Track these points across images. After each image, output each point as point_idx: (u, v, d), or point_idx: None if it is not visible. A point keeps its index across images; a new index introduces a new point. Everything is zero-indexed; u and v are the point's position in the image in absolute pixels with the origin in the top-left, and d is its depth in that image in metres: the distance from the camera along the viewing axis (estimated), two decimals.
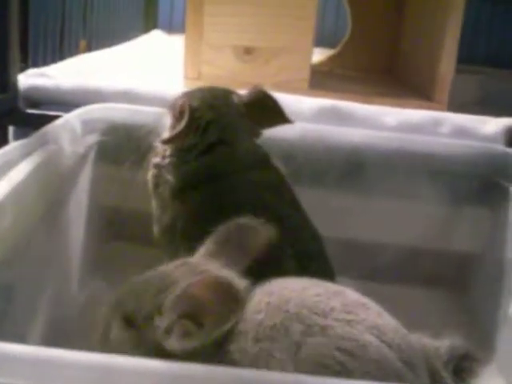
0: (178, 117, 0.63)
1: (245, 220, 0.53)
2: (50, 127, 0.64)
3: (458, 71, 1.04)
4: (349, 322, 0.43)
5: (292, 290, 0.45)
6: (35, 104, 0.88)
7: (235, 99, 0.65)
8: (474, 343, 0.66)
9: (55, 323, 0.60)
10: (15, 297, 0.51)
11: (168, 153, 0.64)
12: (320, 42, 1.29)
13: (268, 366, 0.40)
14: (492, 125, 0.86)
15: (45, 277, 0.59)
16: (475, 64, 1.67)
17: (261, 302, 0.44)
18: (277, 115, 0.66)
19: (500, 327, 0.67)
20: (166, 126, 0.65)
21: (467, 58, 1.29)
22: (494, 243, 0.73)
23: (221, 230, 0.53)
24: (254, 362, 0.40)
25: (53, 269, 0.61)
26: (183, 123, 0.61)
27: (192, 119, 0.62)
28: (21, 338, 0.50)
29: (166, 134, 0.63)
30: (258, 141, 0.66)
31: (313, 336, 0.41)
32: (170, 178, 0.63)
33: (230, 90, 0.67)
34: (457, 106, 1.00)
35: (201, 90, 0.66)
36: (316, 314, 0.43)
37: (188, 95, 0.65)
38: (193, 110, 0.62)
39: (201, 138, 0.62)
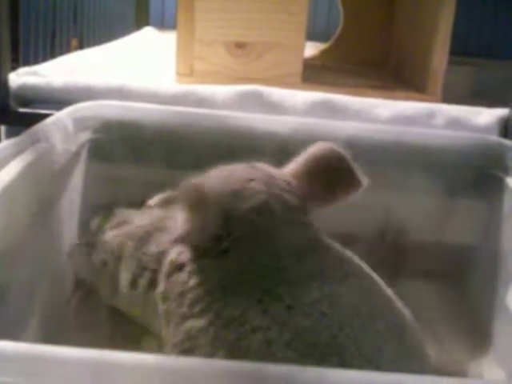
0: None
1: (346, 159, 0.50)
2: (41, 125, 0.64)
3: (451, 63, 1.04)
4: None
5: None
6: (27, 103, 0.88)
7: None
8: (472, 334, 0.66)
9: (49, 323, 0.59)
10: (8, 297, 0.51)
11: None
12: (312, 35, 1.29)
13: None
14: (486, 115, 0.86)
15: (38, 276, 0.59)
16: (467, 55, 1.67)
17: None
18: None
19: (497, 318, 0.67)
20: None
21: (459, 49, 1.29)
22: (490, 234, 0.73)
23: (319, 154, 0.50)
24: None
25: (46, 268, 0.61)
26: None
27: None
28: (14, 338, 0.50)
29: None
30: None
31: None
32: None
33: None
34: (450, 97, 1.00)
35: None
36: None
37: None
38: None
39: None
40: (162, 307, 0.49)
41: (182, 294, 0.47)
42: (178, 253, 0.49)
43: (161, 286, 0.50)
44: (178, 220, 0.49)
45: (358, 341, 0.43)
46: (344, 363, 0.42)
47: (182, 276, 0.48)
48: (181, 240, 0.48)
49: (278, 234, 0.48)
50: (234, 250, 0.47)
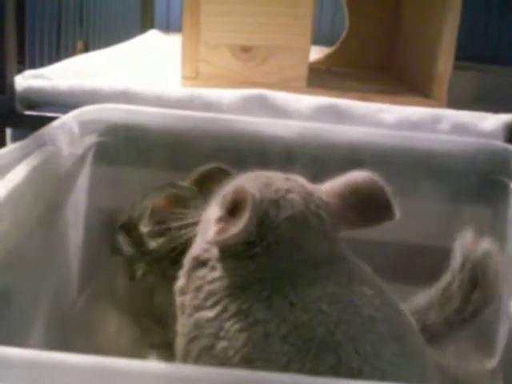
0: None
1: (386, 193, 0.51)
2: (47, 129, 0.64)
3: (455, 68, 1.04)
4: None
5: None
6: (33, 105, 0.88)
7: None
8: (475, 342, 0.66)
9: (54, 327, 0.59)
10: (13, 301, 0.51)
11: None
12: (317, 39, 1.29)
13: None
14: (491, 121, 0.86)
15: (43, 280, 0.59)
16: (472, 60, 1.67)
17: None
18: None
19: (501, 325, 0.66)
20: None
21: (464, 54, 1.29)
22: (495, 240, 0.73)
23: (361, 181, 0.51)
24: None
25: (51, 272, 0.61)
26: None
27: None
28: (19, 342, 0.50)
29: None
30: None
31: None
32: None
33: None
34: (454, 102, 1.00)
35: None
36: None
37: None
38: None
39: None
40: (178, 299, 0.50)
41: (199, 288, 0.48)
42: (204, 249, 0.50)
43: (180, 281, 0.51)
44: (212, 220, 0.49)
45: (356, 340, 0.43)
46: (340, 361, 0.42)
47: (204, 271, 0.49)
48: (213, 241, 0.48)
49: (306, 244, 0.49)
50: (262, 255, 0.48)
